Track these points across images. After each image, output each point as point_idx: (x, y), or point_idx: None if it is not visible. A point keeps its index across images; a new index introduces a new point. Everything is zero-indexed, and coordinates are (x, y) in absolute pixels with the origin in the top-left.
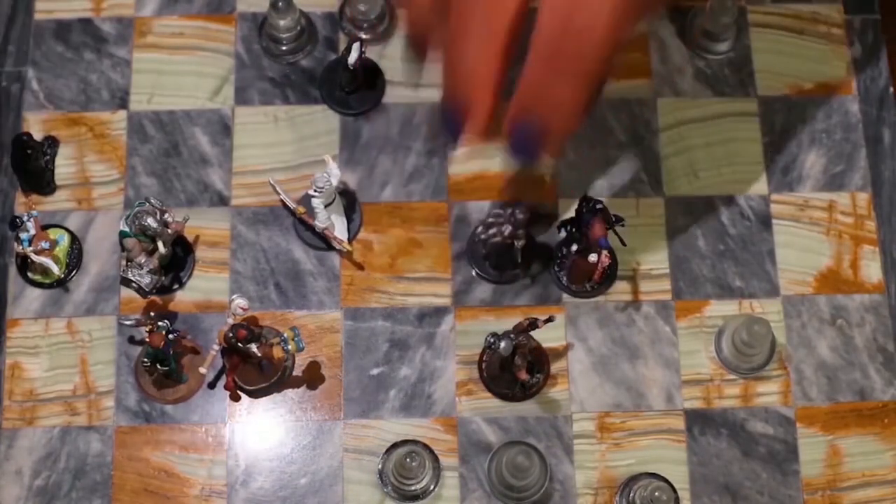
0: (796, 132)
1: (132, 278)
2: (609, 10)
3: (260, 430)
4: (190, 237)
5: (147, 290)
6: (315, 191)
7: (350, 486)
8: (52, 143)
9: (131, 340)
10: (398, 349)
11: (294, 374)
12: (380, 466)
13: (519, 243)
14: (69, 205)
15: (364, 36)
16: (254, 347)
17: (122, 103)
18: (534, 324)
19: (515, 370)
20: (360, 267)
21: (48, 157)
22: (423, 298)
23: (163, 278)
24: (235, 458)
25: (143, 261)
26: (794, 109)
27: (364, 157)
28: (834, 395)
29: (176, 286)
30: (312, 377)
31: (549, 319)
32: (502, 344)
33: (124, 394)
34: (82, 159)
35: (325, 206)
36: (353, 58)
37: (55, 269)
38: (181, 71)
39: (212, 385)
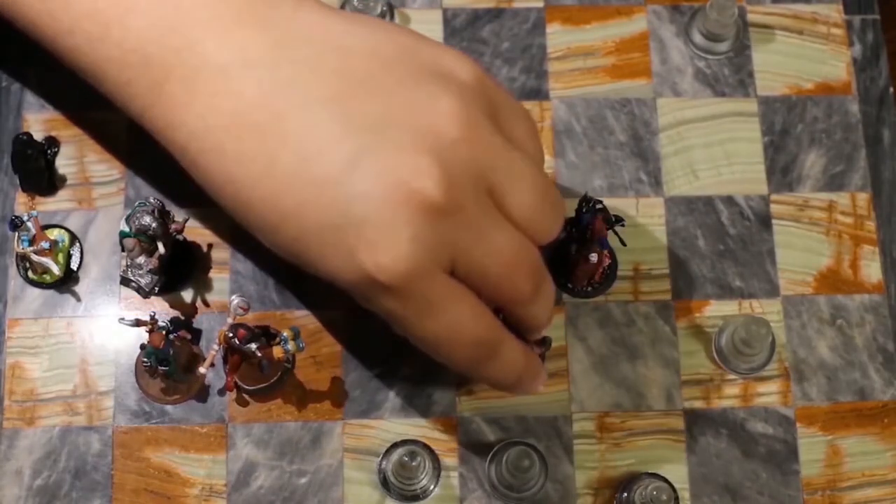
0: (796, 132)
1: (132, 278)
2: None
3: (260, 430)
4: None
5: (147, 289)
6: None
7: (350, 486)
8: (52, 143)
9: (143, 347)
10: (398, 349)
11: (294, 374)
12: (380, 466)
13: None
14: (69, 205)
15: None
16: (253, 347)
17: None
18: (543, 342)
19: None
20: None
21: (48, 157)
22: None
23: (163, 277)
24: (235, 458)
25: (142, 261)
26: (794, 109)
27: None
28: (834, 395)
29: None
30: (312, 377)
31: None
32: None
33: (124, 394)
34: (82, 159)
35: None
36: None
37: (55, 269)
38: None
39: (221, 392)
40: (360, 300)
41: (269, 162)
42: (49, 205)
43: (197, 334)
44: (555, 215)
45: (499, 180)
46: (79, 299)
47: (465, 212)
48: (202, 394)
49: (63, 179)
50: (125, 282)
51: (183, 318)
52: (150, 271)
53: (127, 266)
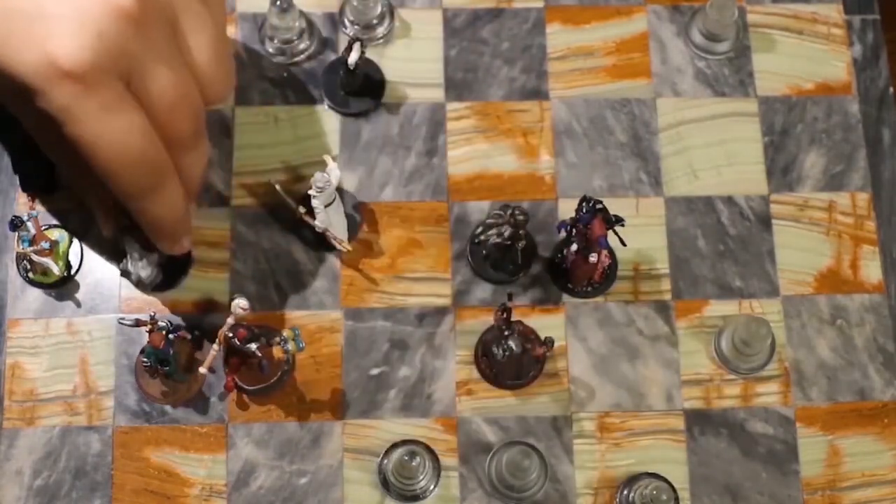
0: (796, 132)
1: (131, 269)
2: None
3: (260, 430)
4: None
5: (147, 282)
6: (315, 191)
7: (350, 486)
8: None
9: (142, 351)
10: (398, 349)
11: (294, 374)
12: (380, 466)
13: (519, 244)
14: (69, 205)
15: (364, 36)
16: (253, 347)
17: None
18: (547, 342)
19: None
20: (358, 265)
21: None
22: (423, 298)
23: (160, 273)
24: (235, 458)
25: (142, 255)
26: (794, 109)
27: (364, 157)
28: (834, 395)
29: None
30: (312, 377)
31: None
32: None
33: (124, 394)
34: None
35: (325, 206)
36: (353, 58)
37: (55, 269)
38: None
39: (221, 397)
40: (35, 96)
41: None
42: (49, 205)
43: (199, 341)
44: (226, 76)
45: (185, 22)
46: (79, 299)
47: (151, 32)
48: (202, 394)
49: (63, 180)
50: (125, 274)
51: (184, 324)
52: (151, 264)
53: (127, 259)
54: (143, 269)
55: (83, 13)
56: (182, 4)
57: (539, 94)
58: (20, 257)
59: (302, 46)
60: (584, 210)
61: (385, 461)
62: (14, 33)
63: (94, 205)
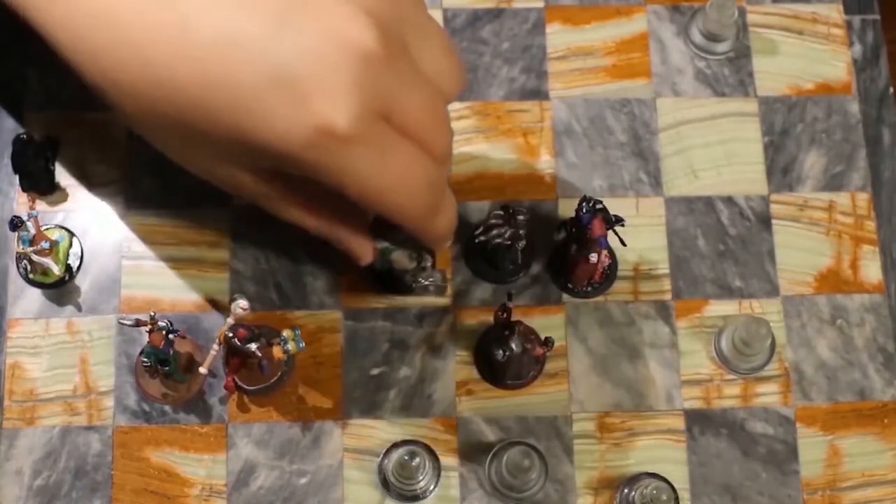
0: (796, 132)
1: (426, 282)
2: None
3: (260, 430)
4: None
5: (443, 283)
6: None
7: (350, 486)
8: (52, 143)
9: (142, 353)
10: (398, 349)
11: (294, 374)
12: (380, 466)
13: (519, 244)
14: (69, 205)
15: None
16: (253, 347)
17: None
18: (547, 342)
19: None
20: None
21: (48, 157)
22: (423, 299)
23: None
24: (235, 458)
25: (424, 264)
26: (794, 109)
27: None
28: (834, 395)
29: None
30: (312, 377)
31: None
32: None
33: (124, 394)
34: (82, 159)
35: None
36: None
37: (55, 270)
38: None
39: (222, 400)
40: (305, 167)
41: (182, 29)
42: (49, 205)
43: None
44: (460, 71)
45: (413, 36)
46: (79, 299)
47: (396, 62)
48: (202, 394)
49: (63, 179)
50: (421, 288)
51: (181, 317)
52: (432, 268)
53: (411, 274)
54: (433, 274)
55: (335, 68)
56: (406, 16)
57: (539, 94)
58: (20, 257)
59: None
60: (584, 210)
61: (385, 461)
62: (268, 107)
63: (347, 238)
